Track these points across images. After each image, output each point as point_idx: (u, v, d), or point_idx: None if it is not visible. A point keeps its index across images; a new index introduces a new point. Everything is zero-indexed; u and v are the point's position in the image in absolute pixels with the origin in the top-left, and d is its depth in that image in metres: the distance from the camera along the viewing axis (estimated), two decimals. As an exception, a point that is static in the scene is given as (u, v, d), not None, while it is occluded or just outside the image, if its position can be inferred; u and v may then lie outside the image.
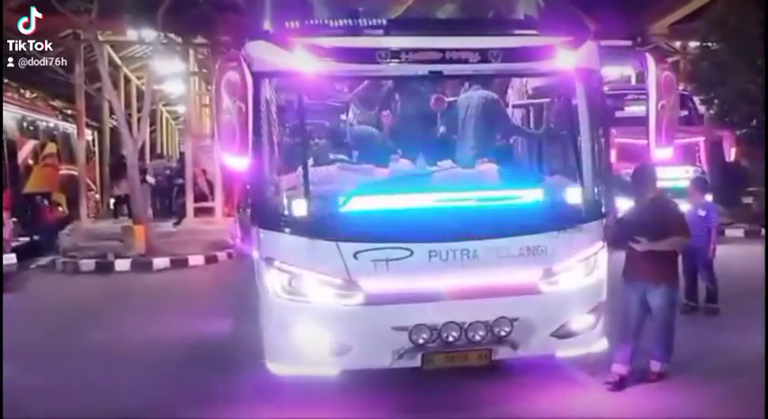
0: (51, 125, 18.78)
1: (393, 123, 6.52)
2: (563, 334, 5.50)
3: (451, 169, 5.92)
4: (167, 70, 19.01)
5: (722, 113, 15.73)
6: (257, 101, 5.17)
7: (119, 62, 21.36)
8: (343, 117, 6.89)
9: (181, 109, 27.74)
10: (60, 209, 17.45)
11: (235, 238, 12.73)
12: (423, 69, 5.36)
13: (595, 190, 5.57)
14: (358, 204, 5.24)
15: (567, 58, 5.41)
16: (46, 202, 16.64)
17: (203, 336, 7.86)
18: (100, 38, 15.60)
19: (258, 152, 5.22)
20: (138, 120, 18.41)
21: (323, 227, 5.16)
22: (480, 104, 6.29)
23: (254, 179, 5.35)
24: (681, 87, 14.31)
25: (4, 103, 13.64)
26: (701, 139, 14.82)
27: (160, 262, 13.41)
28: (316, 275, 5.19)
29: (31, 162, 16.15)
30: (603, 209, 5.59)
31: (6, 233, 12.16)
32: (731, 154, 15.54)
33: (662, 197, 6.20)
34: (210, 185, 17.71)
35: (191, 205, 17.51)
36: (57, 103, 20.24)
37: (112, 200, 20.04)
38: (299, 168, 5.38)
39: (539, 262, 5.37)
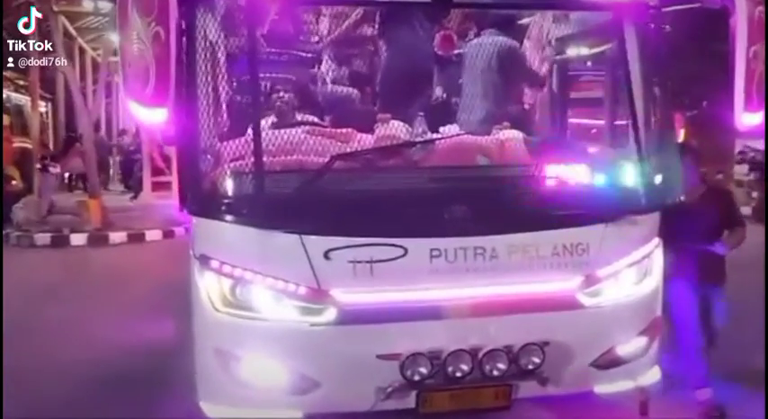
0: (3, 97, 17.26)
1: (381, 76, 4.79)
2: (606, 362, 3.91)
3: (460, 137, 4.21)
4: (124, 42, 17.54)
5: (674, 95, 15.32)
6: (190, 30, 3.47)
7: (74, 33, 19.64)
8: (314, 71, 5.10)
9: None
10: (14, 182, 15.85)
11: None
12: None
13: (652, 168, 3.97)
14: (331, 182, 3.57)
15: None
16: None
17: (157, 319, 6.91)
18: (54, 8, 14.44)
19: (189, 105, 3.51)
20: (94, 92, 16.98)
21: (280, 213, 3.47)
22: (497, 53, 4.59)
23: (182, 143, 3.59)
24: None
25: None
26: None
27: (117, 236, 12.76)
28: (270, 281, 3.54)
29: (-18, 135, 15.11)
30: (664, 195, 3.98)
31: None
32: (681, 135, 15.32)
33: (717, 185, 4.85)
34: (167, 159, 16.43)
35: (147, 179, 16.53)
36: (9, 74, 18.77)
37: (66, 175, 19.03)
38: (249, 130, 3.68)
39: (579, 266, 3.78)
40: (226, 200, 3.57)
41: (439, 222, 3.56)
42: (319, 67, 5.04)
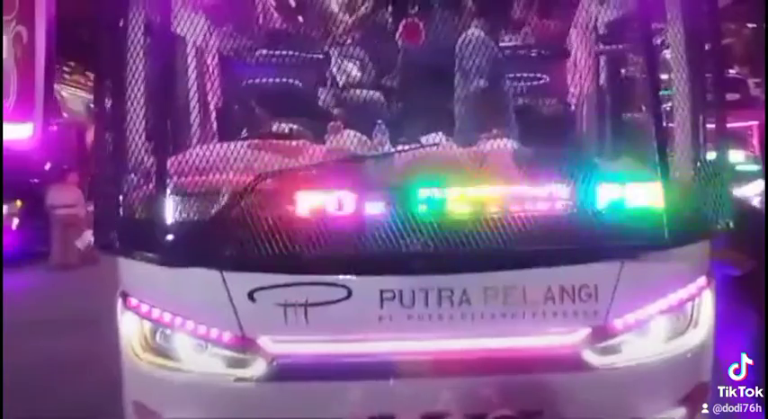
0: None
1: (347, 79, 3.96)
2: None
3: (426, 150, 3.26)
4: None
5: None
6: (112, 23, 2.93)
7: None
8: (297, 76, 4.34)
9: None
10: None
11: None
12: None
13: (697, 185, 2.94)
14: (260, 207, 2.87)
15: None
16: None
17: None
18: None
19: (115, 114, 2.99)
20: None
21: (198, 245, 2.84)
22: (488, 45, 3.64)
23: (96, 163, 3.07)
24: (734, 70, 14.75)
25: (70, 87, 13.66)
26: (754, 123, 13.85)
27: None
28: (190, 325, 2.92)
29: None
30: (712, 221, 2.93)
31: None
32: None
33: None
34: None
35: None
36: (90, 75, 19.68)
37: None
38: (186, 146, 3.09)
39: (584, 315, 2.86)
40: (141, 230, 2.96)
41: (393, 256, 2.76)
42: (304, 72, 4.27)
